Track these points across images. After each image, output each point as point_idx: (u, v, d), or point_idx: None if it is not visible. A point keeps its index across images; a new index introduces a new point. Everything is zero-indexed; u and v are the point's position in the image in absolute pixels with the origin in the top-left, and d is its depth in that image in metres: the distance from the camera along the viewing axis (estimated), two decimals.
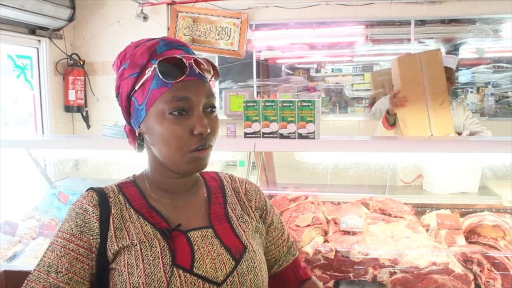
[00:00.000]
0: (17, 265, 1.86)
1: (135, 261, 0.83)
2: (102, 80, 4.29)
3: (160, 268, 0.83)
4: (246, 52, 4.17)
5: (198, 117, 0.84)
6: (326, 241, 1.82)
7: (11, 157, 2.25)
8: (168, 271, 0.82)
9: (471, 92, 4.35)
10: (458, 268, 1.61)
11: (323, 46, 4.46)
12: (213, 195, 0.98)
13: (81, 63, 4.24)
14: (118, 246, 0.85)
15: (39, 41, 3.98)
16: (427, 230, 1.93)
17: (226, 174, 1.07)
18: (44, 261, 0.84)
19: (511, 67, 4.22)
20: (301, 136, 1.81)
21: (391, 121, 2.59)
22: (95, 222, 0.86)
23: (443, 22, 4.06)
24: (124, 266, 0.83)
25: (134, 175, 0.98)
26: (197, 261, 0.85)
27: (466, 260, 1.64)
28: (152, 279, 0.81)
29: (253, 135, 1.86)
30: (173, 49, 0.88)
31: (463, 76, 4.36)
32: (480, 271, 1.61)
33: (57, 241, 0.85)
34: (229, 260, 0.88)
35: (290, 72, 4.71)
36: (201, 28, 4.16)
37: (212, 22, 4.14)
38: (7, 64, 3.72)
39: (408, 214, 2.01)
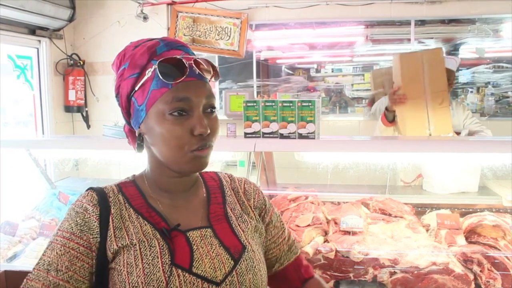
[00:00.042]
0: (18, 265, 1.87)
1: (134, 261, 0.83)
2: (102, 80, 4.29)
3: (159, 267, 0.83)
4: (246, 52, 4.17)
5: (198, 118, 0.85)
6: (326, 241, 1.82)
7: (11, 157, 2.25)
8: (167, 270, 0.83)
9: (471, 92, 4.35)
10: (458, 268, 1.61)
11: (323, 46, 4.46)
12: (212, 195, 0.99)
13: (81, 63, 4.24)
14: (117, 245, 0.85)
15: (39, 41, 3.98)
16: (427, 230, 1.93)
17: (225, 174, 1.07)
18: (44, 260, 0.84)
19: (511, 67, 4.21)
20: (301, 136, 1.81)
21: (390, 117, 2.58)
22: (95, 221, 0.86)
23: (443, 22, 4.06)
24: (123, 266, 0.84)
25: (134, 175, 0.98)
26: (196, 260, 0.86)
27: (466, 260, 1.64)
28: (151, 278, 0.82)
29: (253, 135, 1.86)
30: (173, 50, 0.88)
31: (463, 76, 4.35)
32: (480, 271, 1.61)
33: (56, 240, 0.85)
34: (228, 259, 0.88)
35: (290, 72, 4.71)
36: (201, 28, 4.16)
37: (212, 22, 4.14)
38: (7, 64, 3.73)
39: (408, 214, 2.01)
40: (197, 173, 0.98)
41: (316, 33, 4.22)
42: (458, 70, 3.17)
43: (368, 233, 1.86)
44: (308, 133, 1.80)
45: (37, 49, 4.00)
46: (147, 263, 0.83)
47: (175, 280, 0.82)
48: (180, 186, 0.94)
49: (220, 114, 3.44)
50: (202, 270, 0.85)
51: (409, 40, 4.10)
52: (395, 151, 1.94)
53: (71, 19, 4.09)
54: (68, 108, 4.26)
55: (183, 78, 0.83)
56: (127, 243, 0.85)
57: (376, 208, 2.07)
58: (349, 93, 4.55)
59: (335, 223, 1.94)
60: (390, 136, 2.62)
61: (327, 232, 1.89)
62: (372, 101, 4.18)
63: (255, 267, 0.91)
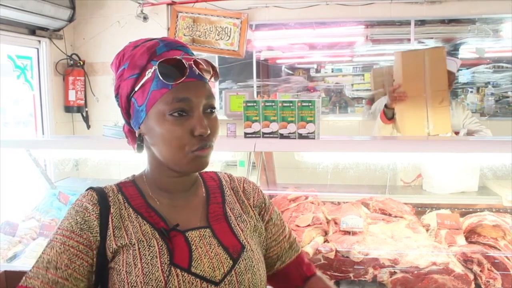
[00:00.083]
0: (18, 266, 1.87)
1: (133, 260, 0.84)
2: (102, 80, 4.29)
3: (158, 267, 0.83)
4: (246, 52, 4.17)
5: (198, 118, 0.85)
6: (326, 241, 1.82)
7: (11, 157, 2.25)
8: (166, 270, 0.83)
9: (471, 92, 4.35)
10: (458, 268, 1.61)
11: (323, 46, 4.46)
12: (212, 195, 0.99)
13: (81, 63, 4.24)
14: (116, 245, 0.85)
15: (39, 41, 3.98)
16: (427, 230, 1.93)
17: (225, 173, 1.07)
18: (43, 258, 0.84)
19: (511, 67, 4.21)
20: (301, 136, 1.81)
21: (389, 115, 2.57)
22: (95, 220, 0.86)
23: (443, 22, 4.06)
24: (123, 265, 0.84)
25: (134, 175, 0.98)
26: (195, 260, 0.86)
27: (466, 260, 1.64)
28: (150, 278, 0.82)
29: (253, 135, 1.86)
30: (173, 50, 0.89)
31: (463, 76, 4.35)
32: (480, 271, 1.61)
33: (56, 238, 0.85)
34: (227, 259, 0.89)
35: (290, 72, 4.71)
36: (201, 28, 4.16)
37: (212, 22, 4.14)
38: (7, 64, 3.73)
39: (408, 214, 2.01)
40: (197, 173, 0.99)
41: (316, 33, 4.22)
42: (458, 70, 3.17)
43: (368, 233, 1.86)
44: (308, 133, 1.80)
45: (37, 49, 4.01)
46: (146, 263, 0.83)
47: (174, 279, 0.83)
48: (180, 186, 0.94)
49: (220, 114, 3.44)
50: (201, 270, 0.85)
51: (409, 40, 4.10)
52: (395, 151, 1.94)
53: (71, 19, 4.09)
54: (68, 108, 4.26)
55: (183, 79, 0.83)
56: (126, 243, 0.85)
57: (376, 208, 2.07)
58: (349, 93, 4.55)
59: (335, 223, 1.94)
60: (390, 136, 2.61)
61: (327, 232, 1.89)
62: (371, 100, 4.18)
63: (254, 266, 0.91)
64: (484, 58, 4.25)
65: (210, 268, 0.86)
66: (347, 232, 1.83)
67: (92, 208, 0.87)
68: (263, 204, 1.05)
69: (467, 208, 2.10)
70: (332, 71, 4.72)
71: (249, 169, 2.15)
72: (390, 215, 2.01)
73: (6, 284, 1.54)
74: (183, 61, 0.84)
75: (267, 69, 4.60)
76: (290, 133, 1.82)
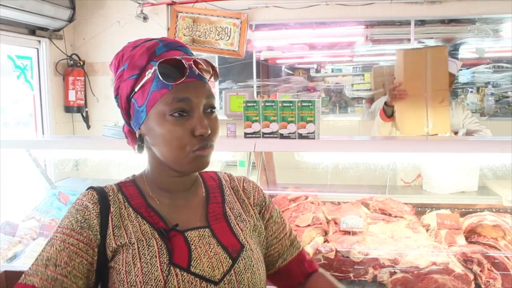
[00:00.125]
0: (18, 266, 1.87)
1: (133, 260, 0.84)
2: (102, 80, 4.29)
3: (157, 267, 0.83)
4: (246, 52, 4.17)
5: (198, 118, 0.85)
6: (326, 241, 1.82)
7: (11, 158, 2.25)
8: (165, 270, 0.83)
9: (471, 92, 4.35)
10: (458, 268, 1.61)
11: (323, 46, 4.45)
12: (211, 195, 0.99)
13: (81, 63, 4.24)
14: (116, 244, 0.85)
15: (39, 41, 3.98)
16: (427, 230, 1.93)
17: (224, 173, 1.07)
18: (43, 255, 0.84)
19: (511, 67, 4.21)
20: (301, 136, 1.81)
21: (388, 112, 2.57)
22: (95, 219, 0.86)
23: (443, 22, 4.06)
24: (122, 265, 0.84)
25: (134, 175, 0.98)
26: (194, 260, 0.86)
27: (466, 260, 1.64)
28: (150, 277, 0.82)
29: (253, 135, 1.86)
30: (172, 50, 0.89)
31: (463, 76, 4.35)
32: (480, 271, 1.61)
33: (56, 236, 0.85)
34: (226, 258, 0.89)
35: (290, 72, 4.70)
36: (201, 28, 4.16)
37: (212, 22, 4.14)
38: (7, 64, 3.73)
39: (408, 214, 2.01)
40: (197, 172, 0.99)
41: (316, 33, 4.22)
42: (458, 71, 3.17)
43: (368, 233, 1.86)
44: (308, 133, 1.80)
45: (37, 49, 4.00)
46: (145, 262, 0.84)
47: (173, 279, 0.83)
48: (180, 185, 0.94)
49: (220, 114, 3.44)
50: (200, 270, 0.85)
51: (409, 40, 4.09)
52: (395, 151, 1.94)
53: (71, 20, 4.09)
54: (68, 109, 4.26)
55: (183, 79, 0.84)
56: (126, 242, 0.85)
57: (376, 208, 2.07)
58: (349, 93, 4.55)
59: (335, 223, 1.94)
60: (390, 136, 2.61)
61: (327, 232, 1.89)
62: (371, 99, 4.19)
63: (253, 266, 0.91)
64: (484, 58, 4.24)
65: (209, 267, 0.86)
66: (347, 232, 1.83)
67: (93, 207, 0.87)
68: (264, 203, 1.05)
69: (467, 208, 2.10)
70: (332, 71, 4.71)
71: (249, 169, 2.15)
72: (390, 215, 2.01)
73: (6, 284, 1.54)
74: (183, 61, 0.84)
75: (267, 69, 4.60)
76: (290, 133, 1.82)
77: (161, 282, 0.82)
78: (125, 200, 0.91)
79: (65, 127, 4.33)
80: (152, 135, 0.87)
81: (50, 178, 2.53)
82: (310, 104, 1.78)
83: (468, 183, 2.50)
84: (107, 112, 4.16)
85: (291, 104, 1.80)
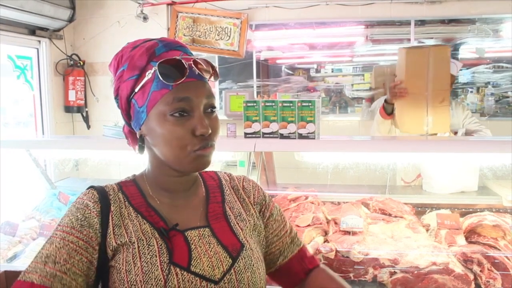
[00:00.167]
0: (18, 266, 1.86)
1: (133, 259, 0.84)
2: (102, 80, 4.29)
3: (157, 266, 0.83)
4: (246, 52, 4.17)
5: (199, 118, 0.85)
6: (326, 241, 1.82)
7: (11, 158, 2.25)
8: (166, 269, 0.83)
9: (471, 92, 4.35)
10: (458, 268, 1.61)
11: (323, 46, 4.45)
12: (211, 194, 0.99)
13: (81, 63, 4.24)
14: (116, 243, 0.85)
15: (39, 41, 3.98)
16: (427, 230, 1.93)
17: (224, 173, 1.08)
18: (42, 253, 0.84)
19: (511, 67, 4.21)
20: (301, 136, 1.81)
21: (388, 110, 2.56)
22: (95, 218, 0.86)
23: (443, 22, 4.06)
24: (122, 264, 0.84)
25: (134, 174, 0.98)
26: (194, 259, 0.86)
27: (466, 260, 1.64)
28: (150, 277, 0.82)
29: (253, 135, 1.86)
30: (172, 50, 0.89)
31: (463, 76, 4.35)
32: (480, 271, 1.61)
33: (56, 234, 0.85)
34: (226, 258, 0.89)
35: (290, 72, 4.70)
36: (201, 28, 4.16)
37: (212, 22, 4.14)
38: (7, 64, 3.72)
39: (408, 214, 2.01)
40: (197, 172, 0.99)
41: (316, 33, 4.22)
42: (458, 71, 3.16)
43: (368, 233, 1.86)
44: (308, 133, 1.80)
45: (37, 49, 4.00)
46: (145, 262, 0.84)
47: (173, 278, 0.83)
48: (180, 185, 0.94)
49: (220, 114, 3.43)
50: (200, 269, 0.86)
51: (409, 40, 4.09)
52: (395, 151, 1.94)
53: (71, 20, 4.09)
54: (68, 109, 4.26)
55: (183, 79, 0.84)
56: (126, 241, 0.85)
57: (376, 208, 2.07)
58: (349, 93, 4.55)
59: (335, 223, 1.94)
60: (390, 136, 2.61)
61: (327, 232, 1.89)
62: (371, 99, 4.19)
63: (253, 265, 0.91)
64: (484, 58, 4.24)
65: (209, 267, 0.86)
66: (347, 232, 1.83)
67: (93, 206, 0.87)
68: (264, 201, 1.05)
69: (467, 208, 2.10)
70: (332, 71, 4.72)
71: (249, 169, 2.15)
72: (390, 215, 2.01)
73: (6, 284, 1.54)
74: (183, 61, 0.84)
75: (267, 69, 4.60)
76: (290, 133, 1.82)
77: (161, 281, 0.82)
78: (125, 200, 0.91)
79: (65, 127, 4.33)
80: (152, 136, 0.87)
81: (50, 178, 2.53)
82: (310, 104, 1.78)
83: (468, 183, 2.50)
84: (107, 112, 4.16)
85: (291, 104, 1.80)
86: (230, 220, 0.96)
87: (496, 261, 1.64)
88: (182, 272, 0.84)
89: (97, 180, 2.39)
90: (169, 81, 0.83)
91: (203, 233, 0.91)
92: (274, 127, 1.83)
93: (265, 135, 1.85)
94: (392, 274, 1.64)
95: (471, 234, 1.83)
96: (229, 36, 4.12)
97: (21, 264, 1.88)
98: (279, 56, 4.59)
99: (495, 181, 2.29)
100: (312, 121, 1.79)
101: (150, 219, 0.89)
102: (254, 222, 1.00)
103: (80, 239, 0.84)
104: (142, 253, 0.84)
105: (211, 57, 4.16)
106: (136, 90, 0.87)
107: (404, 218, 1.98)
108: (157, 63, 0.84)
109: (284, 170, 2.94)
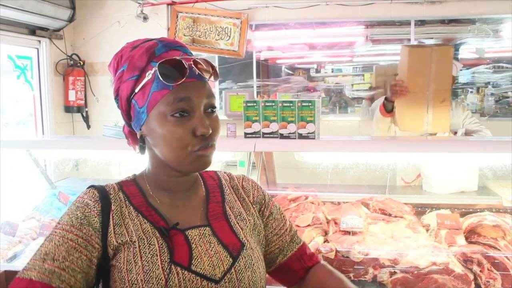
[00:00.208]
0: (18, 266, 1.86)
1: (134, 258, 0.84)
2: (102, 80, 4.29)
3: (158, 265, 0.83)
4: (246, 52, 4.17)
5: (199, 118, 0.85)
6: (326, 241, 1.82)
7: (11, 158, 2.25)
8: (166, 268, 0.83)
9: (471, 92, 4.35)
10: (458, 268, 1.61)
11: (323, 46, 4.45)
12: (211, 194, 0.99)
13: (81, 63, 4.24)
14: (117, 242, 0.85)
15: (39, 41, 3.98)
16: (427, 230, 1.93)
17: (224, 172, 1.08)
18: (41, 250, 0.84)
19: (511, 67, 4.21)
20: (301, 136, 1.81)
21: (388, 108, 2.55)
22: (95, 217, 0.86)
23: (443, 22, 4.06)
24: (123, 263, 0.84)
25: (135, 174, 0.99)
26: (195, 258, 0.86)
27: (466, 260, 1.64)
28: (151, 276, 0.82)
29: (253, 135, 1.86)
30: (172, 51, 0.89)
31: (463, 76, 4.35)
32: (480, 271, 1.61)
33: (55, 232, 0.85)
34: (227, 257, 0.89)
35: (290, 72, 4.71)
36: (201, 28, 4.16)
37: (212, 22, 4.14)
38: (7, 64, 3.72)
39: (408, 214, 2.01)
40: (197, 172, 0.99)
41: (316, 33, 4.22)
42: (458, 72, 3.16)
43: (368, 233, 1.86)
44: (308, 133, 1.80)
45: (37, 49, 4.00)
46: (146, 261, 0.84)
47: (174, 277, 0.83)
48: (181, 185, 0.95)
49: (220, 114, 3.42)
50: (201, 268, 0.86)
51: (409, 40, 4.09)
52: (395, 151, 1.94)
53: (71, 20, 4.09)
54: (68, 109, 4.26)
55: (183, 79, 0.84)
56: (127, 240, 0.86)
57: (376, 208, 2.07)
58: (349, 93, 4.55)
59: (335, 223, 1.94)
60: (390, 136, 2.61)
61: (327, 232, 1.89)
62: (371, 98, 4.19)
63: (253, 264, 0.91)
64: (484, 58, 4.24)
65: (210, 266, 0.87)
66: (347, 232, 1.83)
67: (94, 205, 0.87)
68: (263, 201, 1.05)
69: (467, 208, 2.10)
70: (332, 71, 4.72)
71: (249, 169, 2.15)
72: (390, 215, 2.01)
73: (6, 284, 1.54)
74: (183, 61, 0.84)
75: (267, 69, 4.60)
76: (290, 133, 1.82)
77: (162, 280, 0.82)
78: (126, 199, 0.91)
79: (65, 127, 4.33)
80: (153, 136, 0.87)
81: (50, 178, 2.53)
82: (310, 104, 1.78)
83: (468, 183, 2.50)
84: (107, 112, 4.16)
85: (291, 104, 1.80)
86: (230, 220, 0.96)
87: (496, 261, 1.64)
88: (183, 271, 0.84)
89: (97, 180, 2.39)
90: (169, 81, 0.83)
91: (203, 232, 0.91)
92: (274, 127, 1.84)
93: (265, 135, 1.85)
94: (392, 274, 1.64)
95: (471, 234, 1.83)
96: (229, 36, 4.12)
97: (21, 264, 1.87)
98: (279, 56, 4.59)
99: (495, 181, 2.29)
100: (312, 121, 1.79)
101: (150, 219, 0.89)
102: (254, 221, 1.00)
103: (80, 237, 0.84)
104: (143, 252, 0.85)
105: (211, 57, 4.16)
106: (136, 90, 0.87)
107: (404, 218, 1.98)
108: (157, 64, 0.84)
109: (284, 170, 2.94)
